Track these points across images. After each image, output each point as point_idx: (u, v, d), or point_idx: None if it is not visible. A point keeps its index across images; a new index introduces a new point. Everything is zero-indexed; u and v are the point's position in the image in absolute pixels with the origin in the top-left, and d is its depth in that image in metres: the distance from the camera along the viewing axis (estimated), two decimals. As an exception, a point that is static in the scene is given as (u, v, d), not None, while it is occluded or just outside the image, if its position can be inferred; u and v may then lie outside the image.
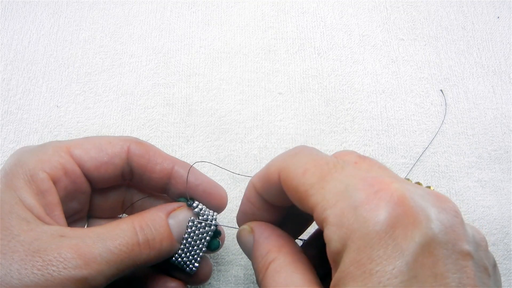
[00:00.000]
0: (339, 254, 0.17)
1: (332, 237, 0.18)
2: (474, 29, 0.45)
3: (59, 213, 0.23)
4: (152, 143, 0.39)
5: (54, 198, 0.23)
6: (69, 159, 0.25)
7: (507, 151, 0.40)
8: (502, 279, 0.36)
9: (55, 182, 0.24)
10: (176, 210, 0.26)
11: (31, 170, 0.23)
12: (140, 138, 0.39)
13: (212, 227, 0.27)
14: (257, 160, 0.39)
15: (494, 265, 0.20)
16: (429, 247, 0.17)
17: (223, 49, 0.43)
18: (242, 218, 0.26)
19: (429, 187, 0.26)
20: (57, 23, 0.44)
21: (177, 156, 0.39)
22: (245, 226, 0.25)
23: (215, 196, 0.28)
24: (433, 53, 0.44)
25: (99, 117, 0.40)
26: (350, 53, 0.43)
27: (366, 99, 0.41)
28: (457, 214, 0.18)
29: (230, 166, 0.38)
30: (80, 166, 0.25)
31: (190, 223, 0.26)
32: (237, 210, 0.26)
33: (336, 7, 0.46)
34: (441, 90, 0.41)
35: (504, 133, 0.40)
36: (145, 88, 0.41)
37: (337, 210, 0.18)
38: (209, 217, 0.27)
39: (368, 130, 0.40)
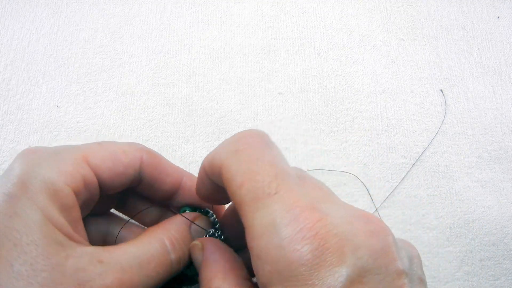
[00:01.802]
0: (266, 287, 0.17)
1: (258, 271, 0.18)
2: (474, 29, 0.45)
3: (81, 228, 0.22)
4: (152, 143, 0.39)
5: (77, 213, 0.22)
6: (89, 171, 0.23)
7: (507, 151, 0.40)
8: (502, 279, 0.36)
9: (76, 195, 0.22)
10: (196, 220, 0.27)
11: (54, 184, 0.21)
12: (140, 138, 0.39)
13: (222, 237, 0.28)
14: (257, 160, 0.39)
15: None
16: (359, 277, 0.17)
17: (223, 49, 0.43)
18: (198, 194, 0.26)
19: None
20: (57, 23, 0.44)
21: (177, 156, 0.39)
22: (197, 242, 0.24)
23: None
24: (433, 53, 0.44)
25: (99, 117, 0.40)
26: (350, 53, 0.43)
27: (366, 99, 0.41)
28: (386, 233, 0.18)
29: (230, 166, 0.38)
30: (97, 176, 0.24)
31: (206, 235, 0.27)
32: None
33: (336, 7, 0.46)
34: (441, 90, 0.41)
35: (504, 133, 0.40)
36: (145, 88, 0.41)
37: (263, 244, 0.17)
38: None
39: (368, 130, 0.40)
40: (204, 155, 0.38)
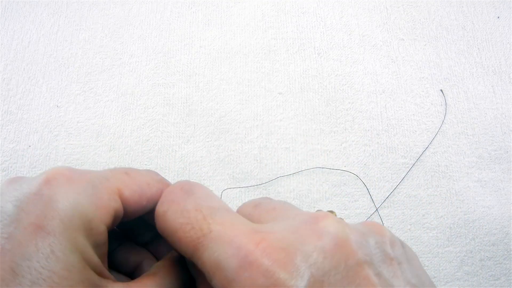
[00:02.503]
0: None
1: None
2: (474, 29, 0.45)
3: (106, 260, 0.22)
4: (152, 143, 0.39)
5: (106, 248, 0.22)
6: (120, 205, 0.23)
7: (507, 151, 0.40)
8: (502, 279, 0.36)
9: (107, 230, 0.22)
10: None
11: (91, 222, 0.20)
12: (140, 138, 0.39)
13: None
14: (257, 160, 0.39)
15: (401, 244, 0.20)
16: (319, 284, 0.16)
17: (223, 49, 0.43)
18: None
19: (331, 211, 0.25)
20: (57, 23, 0.44)
21: (177, 156, 0.39)
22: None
23: None
24: (433, 53, 0.44)
25: (99, 117, 0.40)
26: (350, 53, 0.43)
27: (366, 99, 0.41)
28: (338, 229, 0.18)
29: (230, 166, 0.38)
30: (124, 210, 0.23)
31: None
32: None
33: (336, 7, 0.46)
34: (441, 90, 0.41)
35: (504, 133, 0.40)
36: (145, 88, 0.41)
37: (219, 284, 0.18)
38: None
39: (368, 130, 0.40)
40: (204, 155, 0.39)
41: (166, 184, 0.26)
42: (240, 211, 0.22)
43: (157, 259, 0.29)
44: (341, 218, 0.20)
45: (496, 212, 0.37)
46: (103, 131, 0.39)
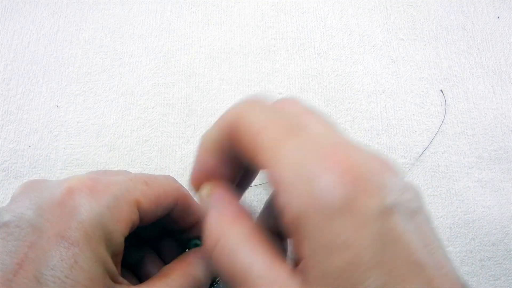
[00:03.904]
0: (296, 224, 0.16)
1: (287, 207, 0.16)
2: (474, 29, 0.45)
3: (119, 267, 0.23)
4: (152, 143, 0.39)
5: (121, 256, 0.22)
6: (137, 216, 0.23)
7: (507, 151, 0.40)
8: (502, 279, 0.36)
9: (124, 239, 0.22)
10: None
11: (111, 233, 0.21)
12: (140, 138, 0.39)
13: None
14: (257, 160, 0.39)
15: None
16: (389, 213, 0.16)
17: (223, 49, 0.43)
18: (199, 176, 0.23)
19: None
20: (57, 23, 0.44)
21: (177, 156, 0.39)
22: (207, 187, 0.22)
23: None
24: (433, 53, 0.44)
25: (99, 117, 0.40)
26: (350, 53, 0.43)
27: (366, 99, 0.41)
28: (396, 172, 0.18)
29: (230, 166, 0.38)
30: (140, 219, 0.24)
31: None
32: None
33: (336, 7, 0.46)
34: (441, 90, 0.41)
35: (504, 133, 0.40)
36: (145, 88, 0.41)
37: (292, 177, 0.17)
38: None
39: (368, 130, 0.40)
40: (204, 155, 0.39)
41: (182, 193, 0.26)
42: (290, 110, 0.21)
43: (158, 255, 0.29)
44: None
45: (496, 212, 0.37)
46: (103, 131, 0.39)
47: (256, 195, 0.37)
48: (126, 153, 0.39)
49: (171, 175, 0.38)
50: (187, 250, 0.29)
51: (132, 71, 0.42)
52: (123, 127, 0.40)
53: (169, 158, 0.39)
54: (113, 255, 0.21)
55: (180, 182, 0.27)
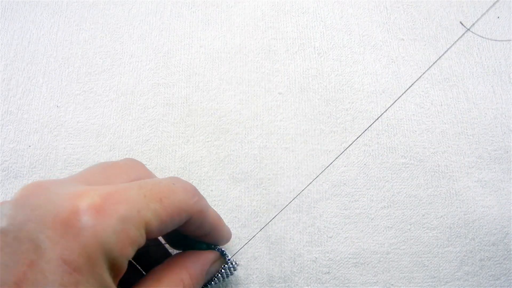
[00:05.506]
0: None
1: None
2: (474, 29, 0.45)
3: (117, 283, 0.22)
4: (152, 143, 0.39)
5: (122, 274, 0.22)
6: (144, 238, 0.22)
7: (507, 151, 0.40)
8: (502, 279, 0.36)
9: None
10: (216, 262, 0.28)
11: (116, 259, 0.20)
12: (140, 138, 0.39)
13: (231, 273, 0.29)
14: (257, 160, 0.39)
15: None
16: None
17: (223, 49, 0.43)
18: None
19: None
20: (57, 23, 0.44)
21: (177, 156, 0.39)
22: None
23: (226, 240, 0.31)
24: (433, 53, 0.44)
25: (99, 117, 0.40)
26: (350, 53, 0.43)
27: (366, 99, 0.41)
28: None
29: (230, 166, 0.38)
30: (147, 237, 0.23)
31: (218, 274, 0.28)
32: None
33: (336, 7, 0.46)
34: (460, 22, 0.40)
35: (504, 133, 0.40)
36: (145, 88, 0.41)
37: None
38: (234, 264, 0.30)
39: (368, 130, 0.40)
40: (204, 155, 0.39)
41: (198, 209, 0.25)
42: None
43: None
44: None
45: (496, 212, 0.37)
46: (103, 131, 0.39)
47: (256, 195, 0.37)
48: (126, 153, 0.39)
49: (171, 175, 0.38)
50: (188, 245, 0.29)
51: (132, 71, 0.42)
52: (123, 127, 0.40)
53: (169, 158, 0.39)
54: (115, 275, 0.21)
55: (199, 192, 0.27)
